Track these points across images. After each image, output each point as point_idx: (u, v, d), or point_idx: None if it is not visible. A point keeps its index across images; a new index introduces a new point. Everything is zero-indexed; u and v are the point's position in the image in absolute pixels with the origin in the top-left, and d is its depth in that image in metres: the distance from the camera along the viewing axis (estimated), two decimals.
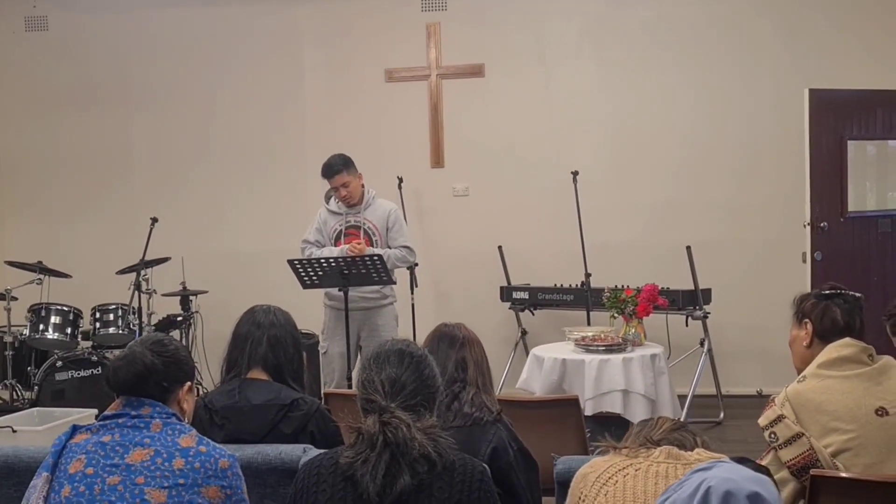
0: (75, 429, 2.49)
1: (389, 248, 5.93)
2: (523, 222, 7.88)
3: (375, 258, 5.54)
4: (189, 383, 2.61)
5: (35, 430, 5.34)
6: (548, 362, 5.78)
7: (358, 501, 2.25)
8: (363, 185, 5.99)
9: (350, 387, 5.45)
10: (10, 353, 6.93)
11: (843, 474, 2.81)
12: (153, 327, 7.22)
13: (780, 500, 1.41)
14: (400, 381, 2.37)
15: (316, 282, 5.74)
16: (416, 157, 7.99)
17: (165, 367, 2.51)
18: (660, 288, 6.25)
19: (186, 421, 2.58)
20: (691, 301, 6.79)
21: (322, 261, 5.64)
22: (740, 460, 2.42)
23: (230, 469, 2.45)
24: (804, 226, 6.95)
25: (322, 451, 2.62)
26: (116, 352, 6.65)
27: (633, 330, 6.02)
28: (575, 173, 7.31)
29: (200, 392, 5.74)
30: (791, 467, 2.91)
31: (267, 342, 3.24)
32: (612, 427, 5.13)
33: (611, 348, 5.79)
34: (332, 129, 7.99)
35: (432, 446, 2.27)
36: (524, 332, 7.62)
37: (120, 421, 2.45)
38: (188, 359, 2.64)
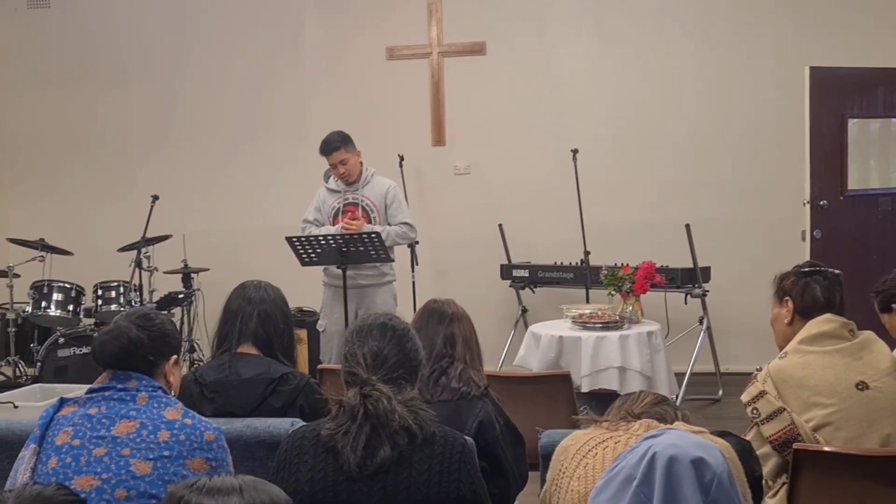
0: (63, 401, 2.52)
1: (389, 225, 5.94)
2: (524, 201, 7.89)
3: (373, 235, 5.56)
4: (175, 357, 2.63)
5: (37, 405, 5.38)
6: (545, 339, 5.81)
7: (339, 473, 2.28)
8: (361, 163, 5.99)
9: None
10: (13, 329, 6.98)
11: (825, 448, 2.84)
12: (154, 304, 7.26)
13: (726, 466, 1.44)
14: (382, 354, 2.40)
15: (315, 259, 5.76)
16: (418, 136, 7.99)
17: (151, 341, 2.54)
18: (658, 266, 6.29)
19: (173, 394, 2.61)
20: (690, 279, 6.81)
21: (321, 238, 5.66)
22: (722, 434, 2.45)
23: (216, 442, 2.47)
24: (804, 204, 6.94)
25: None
26: None
27: (631, 307, 6.05)
28: (575, 151, 7.31)
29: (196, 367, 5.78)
30: (773, 442, 2.94)
31: (257, 317, 3.27)
32: (608, 404, 5.16)
33: (608, 325, 5.83)
34: (332, 108, 7.98)
35: (413, 418, 2.29)
36: (524, 310, 7.64)
37: (106, 394, 2.48)
38: (174, 333, 2.66)
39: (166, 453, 2.39)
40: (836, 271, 3.28)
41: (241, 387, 3.16)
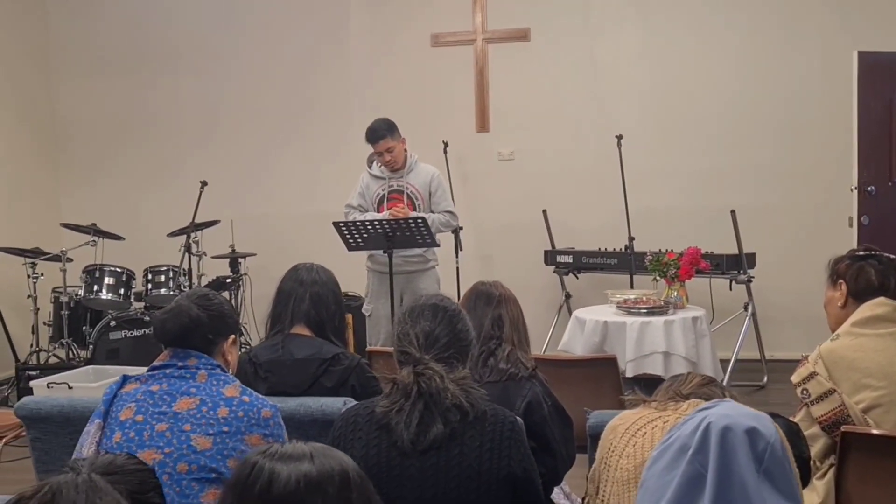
0: (125, 378, 2.60)
1: (433, 212, 5.99)
2: (568, 186, 7.88)
3: (419, 220, 5.61)
4: (233, 336, 2.70)
5: (90, 386, 5.50)
6: (589, 324, 5.83)
7: (392, 449, 2.33)
8: (406, 150, 6.04)
9: None
10: (66, 312, 7.09)
11: (874, 431, 2.84)
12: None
13: (779, 437, 1.48)
14: (434, 334, 2.45)
15: (361, 244, 5.83)
16: (462, 122, 8.01)
17: (210, 320, 2.61)
18: (703, 252, 6.28)
19: (231, 372, 2.67)
20: (735, 265, 6.78)
21: (367, 223, 5.72)
22: (771, 416, 2.47)
23: (272, 419, 2.54)
24: (851, 190, 6.88)
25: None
26: None
27: (676, 293, 6.05)
28: (619, 137, 7.27)
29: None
30: (822, 423, 2.95)
31: (309, 299, 3.33)
32: (653, 389, 5.17)
33: (652, 311, 5.84)
34: (377, 94, 8.03)
35: (464, 396, 2.34)
36: (568, 296, 7.66)
37: (167, 371, 2.56)
38: (232, 313, 2.74)
39: (225, 429, 2.46)
40: (892, 256, 3.29)
41: (294, 367, 3.23)
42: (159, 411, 2.48)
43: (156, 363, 2.61)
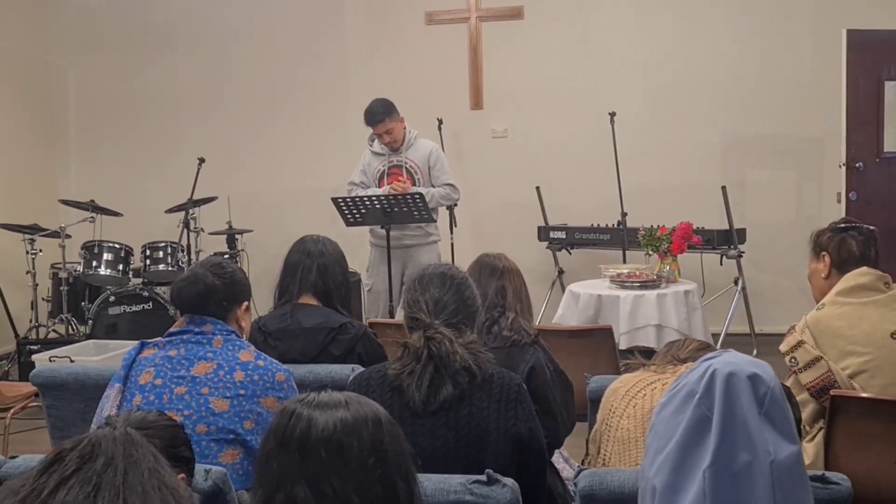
0: (143, 345, 2.69)
1: (433, 186, 6.06)
2: (561, 163, 7.90)
3: (417, 196, 5.69)
4: (246, 303, 2.80)
5: (91, 359, 5.59)
6: (584, 298, 5.91)
7: (405, 409, 2.43)
8: (405, 128, 6.10)
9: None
10: (66, 288, 7.12)
11: (861, 394, 2.96)
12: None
13: (778, 383, 1.60)
14: (442, 301, 2.55)
15: (359, 219, 5.91)
16: (456, 100, 8.01)
17: (225, 288, 2.70)
18: (695, 227, 6.35)
19: (245, 338, 2.77)
20: (726, 240, 6.85)
21: (365, 199, 5.79)
22: None
23: (286, 382, 2.64)
24: (839, 166, 6.95)
25: None
26: (166, 288, 6.90)
27: (668, 267, 6.14)
28: (612, 114, 7.26)
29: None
30: (810, 389, 3.07)
31: (317, 269, 3.42)
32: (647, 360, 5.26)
33: (645, 284, 5.92)
34: (372, 72, 8.04)
35: (472, 360, 2.44)
36: (561, 272, 7.72)
37: (185, 337, 2.65)
38: (245, 280, 2.83)
39: (242, 392, 2.56)
40: (871, 227, 3.40)
41: (302, 335, 3.32)
42: (178, 375, 2.58)
43: (172, 329, 2.71)
